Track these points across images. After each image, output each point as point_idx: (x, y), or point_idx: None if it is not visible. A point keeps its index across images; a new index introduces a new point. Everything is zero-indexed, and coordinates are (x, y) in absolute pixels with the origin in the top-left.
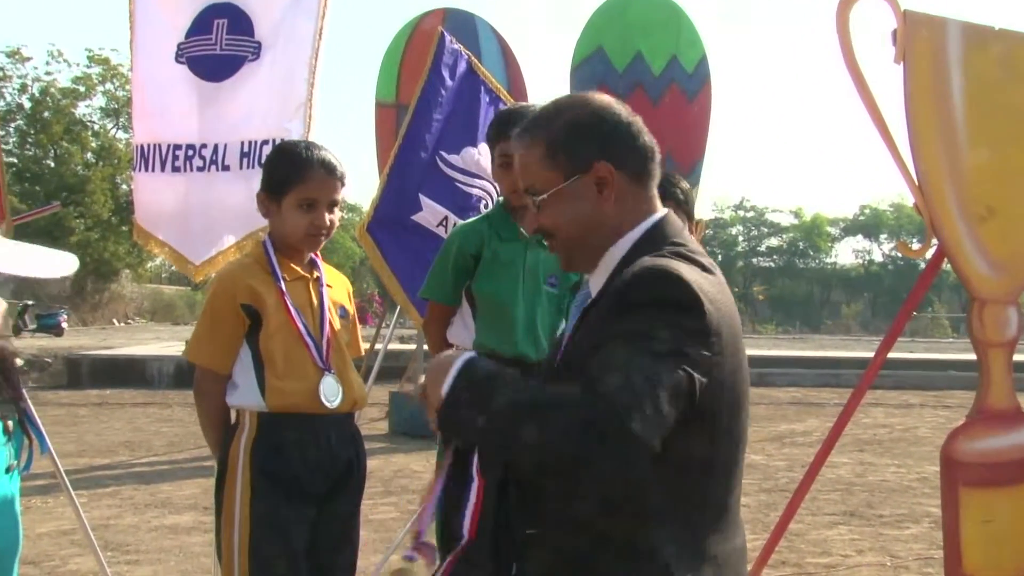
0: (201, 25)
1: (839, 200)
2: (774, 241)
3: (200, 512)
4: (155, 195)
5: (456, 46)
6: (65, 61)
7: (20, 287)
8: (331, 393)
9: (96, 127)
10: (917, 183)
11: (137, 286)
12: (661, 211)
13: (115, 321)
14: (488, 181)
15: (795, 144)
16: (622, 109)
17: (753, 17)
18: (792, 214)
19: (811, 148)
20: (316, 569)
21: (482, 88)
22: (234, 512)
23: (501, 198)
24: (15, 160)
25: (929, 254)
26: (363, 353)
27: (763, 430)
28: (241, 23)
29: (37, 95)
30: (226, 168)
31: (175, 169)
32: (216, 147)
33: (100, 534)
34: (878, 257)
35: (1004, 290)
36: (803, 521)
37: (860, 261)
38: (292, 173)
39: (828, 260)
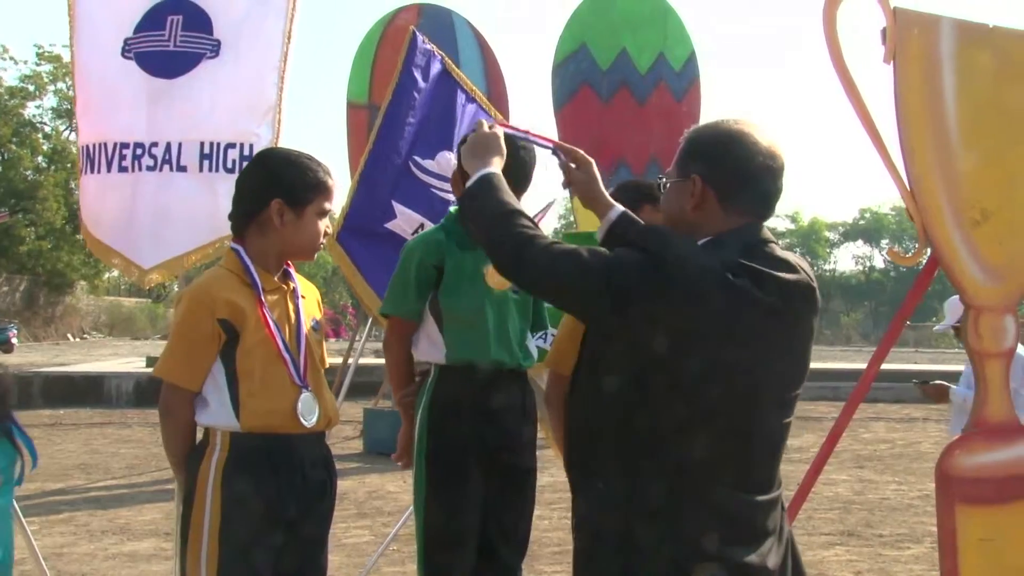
0: (152, 21)
1: (838, 204)
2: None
3: (161, 538)
4: (101, 197)
5: (429, 46)
6: (12, 59)
7: None
8: (308, 411)
9: (48, 129)
10: (909, 188)
11: (94, 298)
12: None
13: (70, 336)
14: None
15: (792, 145)
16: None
17: (746, 12)
18: (788, 218)
19: (809, 149)
20: None
21: (458, 90)
22: (202, 535)
23: (453, 208)
24: None
25: (925, 260)
26: (327, 365)
27: None
28: (198, 20)
29: None
30: (182, 168)
31: (122, 169)
32: (169, 145)
33: (53, 563)
34: (879, 263)
35: (1000, 298)
36: (798, 541)
37: (860, 268)
38: (317, 183)
39: (827, 267)
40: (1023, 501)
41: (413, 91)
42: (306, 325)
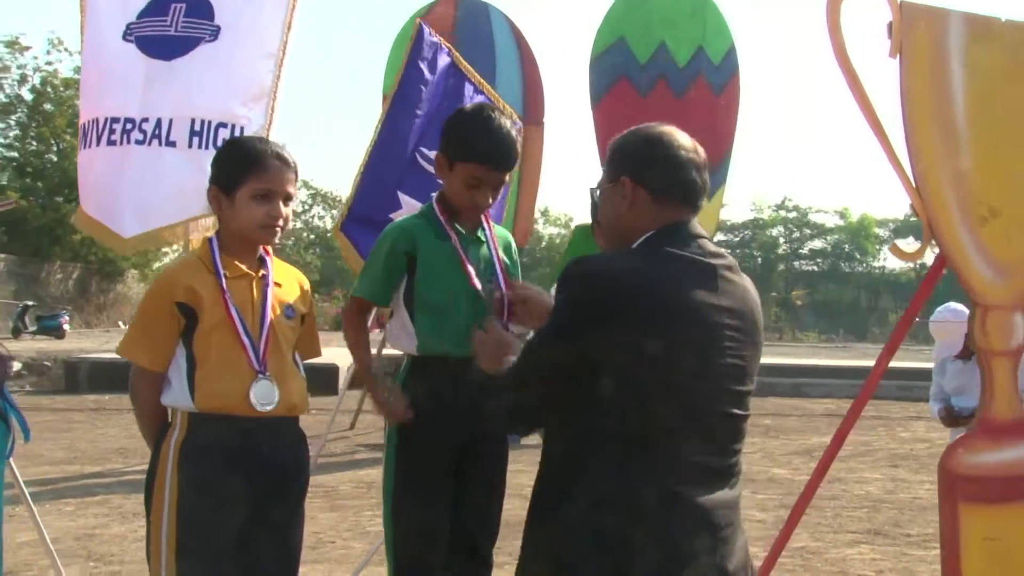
0: (156, 7)
1: (888, 200)
2: (817, 243)
3: None
4: (90, 170)
5: (436, 39)
6: (66, 50)
7: (21, 287)
8: (263, 396)
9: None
10: (914, 184)
11: (144, 287)
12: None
13: (120, 323)
14: None
15: (841, 140)
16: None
17: (789, 2)
18: (837, 215)
19: (858, 144)
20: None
21: (466, 82)
22: (162, 513)
23: (434, 195)
24: (16, 154)
25: (929, 259)
26: (321, 354)
27: (792, 443)
28: (200, 7)
29: (38, 86)
30: (171, 144)
31: (111, 143)
32: (160, 121)
33: (84, 543)
34: (930, 261)
35: (1009, 295)
36: (823, 539)
37: (911, 265)
38: (246, 165)
39: (876, 264)
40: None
41: (420, 84)
42: (275, 311)
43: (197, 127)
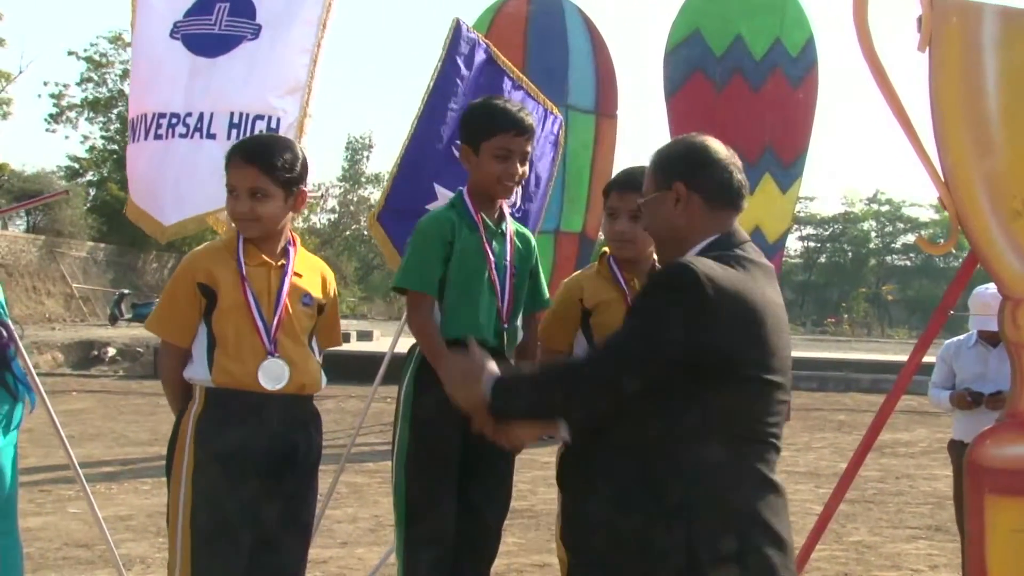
0: (202, 7)
1: None
2: (911, 238)
3: None
4: (136, 163)
5: (474, 35)
6: None
7: (119, 276)
8: (273, 375)
9: None
10: (943, 178)
11: None
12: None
13: None
14: None
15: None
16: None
17: None
18: (932, 208)
19: None
20: (264, 546)
21: (504, 77)
22: (180, 482)
23: (462, 188)
24: (116, 147)
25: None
26: (341, 343)
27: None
28: (243, 7)
29: None
30: (211, 136)
31: (157, 136)
32: (201, 115)
33: (156, 521)
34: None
35: None
36: (881, 534)
37: None
38: (229, 161)
39: None
40: None
41: (456, 78)
42: (292, 298)
43: (236, 120)
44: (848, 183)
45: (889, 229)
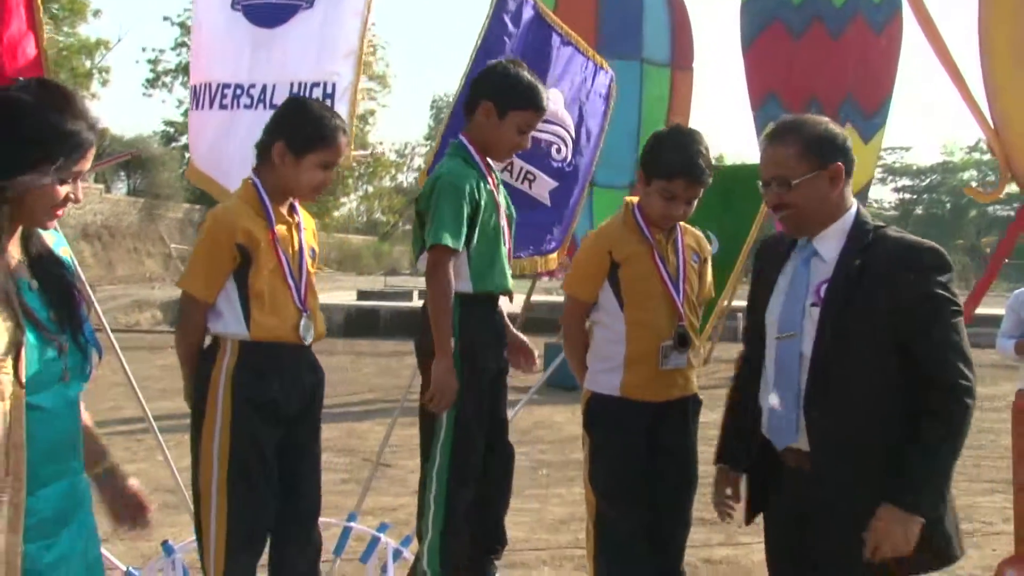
0: None
1: None
2: (1014, 187)
3: (334, 453)
4: (202, 130)
5: None
6: None
7: None
8: (307, 330)
9: None
10: (991, 124)
11: (324, 235)
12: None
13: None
14: (560, 126)
15: None
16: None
17: None
18: None
19: None
20: (284, 486)
21: (553, 33)
22: (215, 427)
23: (462, 140)
24: None
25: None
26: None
27: None
28: None
29: None
30: (274, 107)
31: (222, 107)
32: (264, 87)
33: None
34: None
35: None
36: (956, 487)
37: None
38: (320, 138)
39: None
40: None
41: (503, 36)
42: (307, 254)
43: (295, 89)
44: (948, 132)
45: (991, 179)
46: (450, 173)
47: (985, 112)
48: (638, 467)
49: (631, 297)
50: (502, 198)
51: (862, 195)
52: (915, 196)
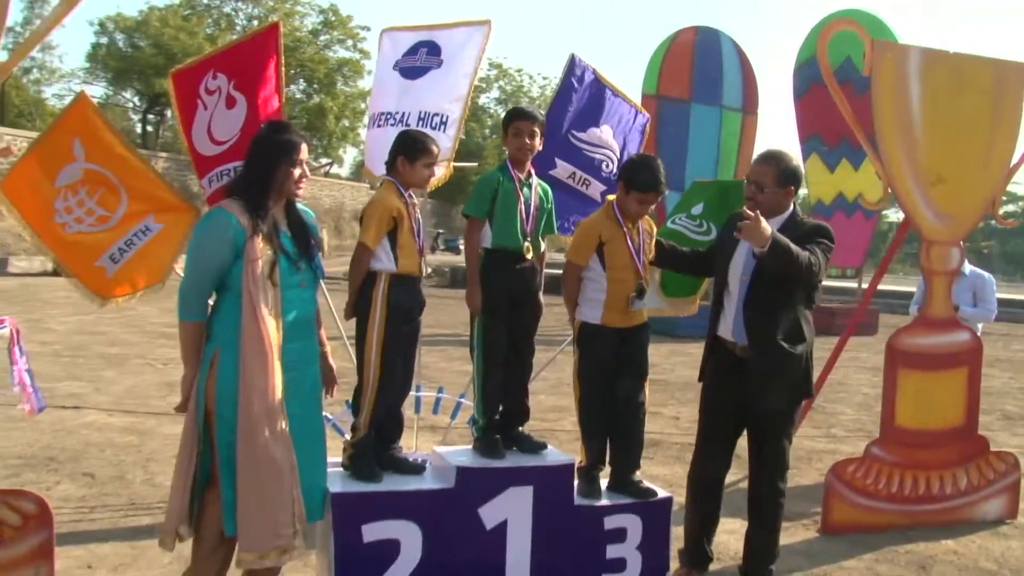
0: (412, 51)
1: None
2: (1010, 207)
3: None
4: (374, 142)
5: (585, 63)
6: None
7: (439, 221)
8: (423, 267)
9: (491, 111)
10: (880, 160)
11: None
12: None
13: None
14: (608, 149)
15: None
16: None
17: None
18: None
19: None
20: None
21: (606, 89)
22: (375, 328)
23: (505, 152)
24: None
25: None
26: None
27: None
28: (434, 49)
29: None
30: (407, 125)
31: (379, 127)
32: (405, 114)
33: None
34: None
35: (948, 234)
36: (991, 427)
37: None
38: (423, 150)
39: None
40: (946, 370)
41: (571, 92)
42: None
43: (423, 116)
44: None
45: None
46: (483, 176)
47: (877, 151)
48: (609, 365)
49: (610, 263)
50: (527, 193)
51: (856, 203)
52: None
